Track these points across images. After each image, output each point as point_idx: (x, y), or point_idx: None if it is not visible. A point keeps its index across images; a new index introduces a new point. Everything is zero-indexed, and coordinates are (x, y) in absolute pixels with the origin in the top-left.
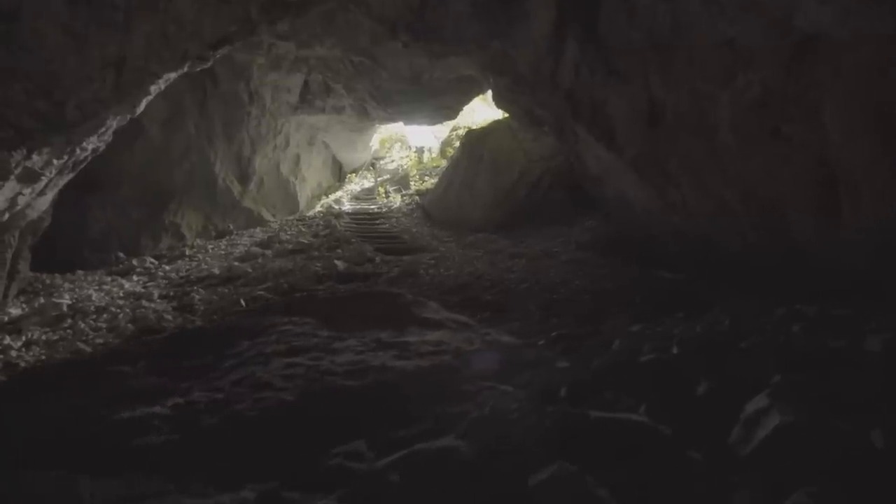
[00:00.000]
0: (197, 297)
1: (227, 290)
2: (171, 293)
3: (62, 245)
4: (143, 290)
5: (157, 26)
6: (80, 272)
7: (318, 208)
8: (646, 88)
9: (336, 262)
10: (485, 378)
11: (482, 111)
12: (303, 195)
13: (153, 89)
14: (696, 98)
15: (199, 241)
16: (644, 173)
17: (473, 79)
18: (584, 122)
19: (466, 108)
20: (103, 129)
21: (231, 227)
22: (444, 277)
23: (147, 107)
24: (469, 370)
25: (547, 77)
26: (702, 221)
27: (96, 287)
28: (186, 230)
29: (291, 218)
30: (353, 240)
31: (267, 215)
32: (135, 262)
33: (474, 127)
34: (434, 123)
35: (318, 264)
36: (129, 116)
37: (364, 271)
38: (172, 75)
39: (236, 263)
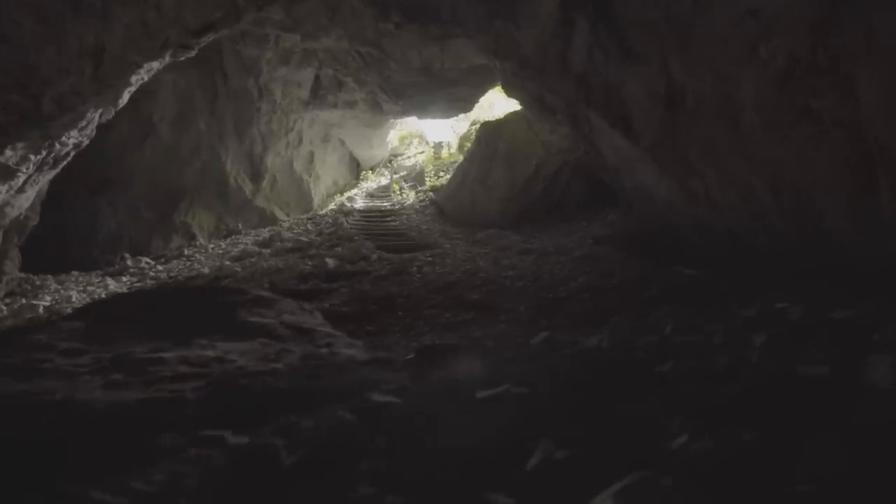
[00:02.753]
0: None
1: None
2: None
3: (74, 246)
4: (125, 291)
5: (137, 13)
6: (74, 273)
7: (331, 206)
8: (664, 71)
9: (328, 260)
10: (218, 423)
11: (502, 105)
12: (317, 193)
13: (134, 80)
14: (718, 79)
15: (201, 241)
16: (663, 162)
17: (487, 69)
18: (598, 108)
19: (486, 103)
20: (84, 123)
21: (240, 226)
22: (437, 275)
23: (156, 105)
24: (195, 408)
25: (556, 60)
26: (726, 212)
27: (81, 288)
28: (198, 230)
29: (303, 217)
30: (356, 238)
31: (280, 214)
32: (129, 262)
33: (489, 119)
34: (448, 117)
35: (310, 263)
36: (112, 109)
37: (354, 269)
38: (155, 64)
39: (228, 263)
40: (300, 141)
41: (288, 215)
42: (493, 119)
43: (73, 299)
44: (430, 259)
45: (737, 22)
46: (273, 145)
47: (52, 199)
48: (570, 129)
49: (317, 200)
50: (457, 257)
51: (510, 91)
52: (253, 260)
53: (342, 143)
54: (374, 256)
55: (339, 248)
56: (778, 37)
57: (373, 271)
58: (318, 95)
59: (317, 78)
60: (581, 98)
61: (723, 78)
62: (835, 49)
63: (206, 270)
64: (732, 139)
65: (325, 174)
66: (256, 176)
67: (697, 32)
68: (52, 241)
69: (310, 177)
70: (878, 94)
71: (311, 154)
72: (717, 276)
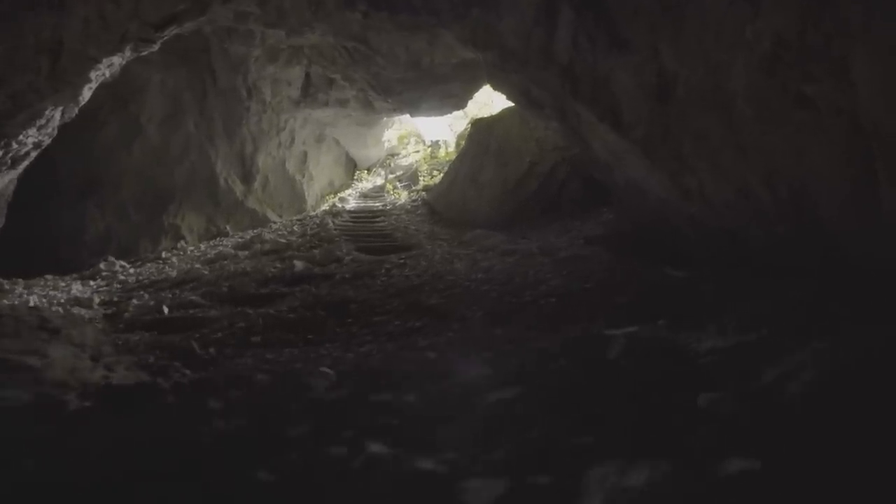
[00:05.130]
0: (136, 302)
1: (170, 295)
2: (115, 298)
3: (63, 249)
4: (86, 296)
5: (95, 6)
6: (48, 276)
7: (324, 207)
8: (655, 59)
9: (296, 262)
10: None
11: (501, 102)
12: (311, 194)
13: (94, 76)
14: (709, 66)
15: (183, 244)
16: (654, 156)
17: (478, 64)
18: (586, 100)
19: (484, 100)
20: (43, 121)
21: (228, 228)
22: (402, 278)
23: (145, 105)
24: None
25: (539, 50)
26: (721, 208)
27: (43, 293)
28: (187, 232)
29: (294, 218)
30: (337, 239)
31: (272, 216)
32: (102, 265)
33: (484, 116)
34: (441, 114)
35: (279, 265)
36: (74, 107)
37: (322, 272)
38: (115, 59)
39: (198, 266)
40: (292, 141)
41: (281, 216)
42: (487, 116)
43: (31, 304)
44: (402, 262)
45: (729, 4)
46: (264, 145)
47: (40, 202)
48: (559, 124)
49: (311, 201)
50: (434, 259)
51: (496, 85)
52: (225, 262)
53: (337, 143)
54: (348, 259)
55: (317, 251)
56: (762, 18)
57: (337, 274)
58: (308, 94)
59: (307, 76)
60: (567, 90)
61: (714, 65)
62: (826, 28)
63: (174, 274)
64: (725, 131)
65: (320, 174)
66: (247, 177)
67: (689, 17)
68: (43, 244)
69: (303, 177)
70: (876, 77)
71: (305, 154)
72: (705, 278)
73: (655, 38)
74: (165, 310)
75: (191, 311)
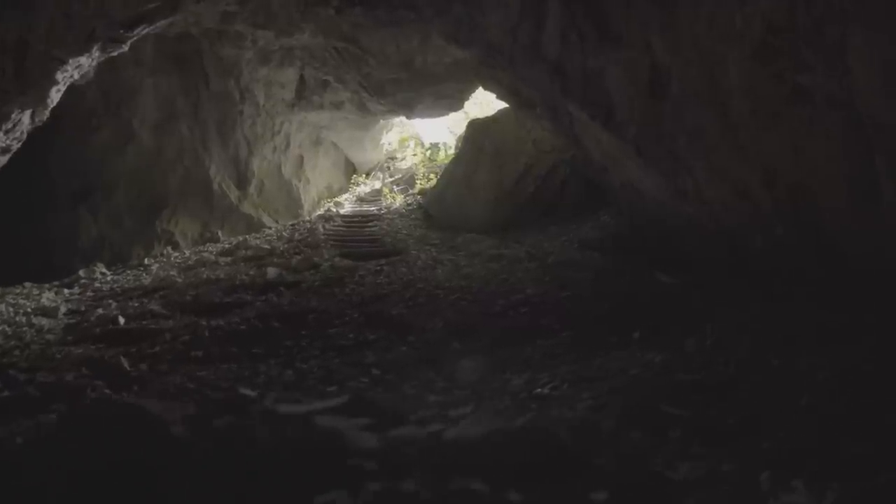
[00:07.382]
0: (100, 311)
1: (136, 304)
2: (83, 308)
3: (57, 255)
4: (53, 305)
5: (60, 4)
6: (28, 284)
7: (319, 212)
8: (647, 53)
9: (269, 269)
10: None
11: (499, 103)
12: (307, 198)
13: (60, 77)
14: (704, 59)
15: (169, 250)
16: (648, 155)
17: (472, 64)
18: (576, 98)
19: (484, 101)
20: (10, 125)
21: (220, 234)
22: (371, 286)
23: (137, 110)
24: None
25: (527, 46)
26: (718, 210)
27: (14, 301)
28: (181, 238)
29: (288, 223)
30: (322, 244)
31: (268, 220)
32: (82, 272)
33: (480, 117)
34: (436, 116)
35: (251, 273)
36: (44, 110)
37: (294, 279)
38: (83, 60)
39: (173, 273)
40: (288, 144)
41: (277, 221)
42: (483, 116)
43: None
44: (378, 268)
45: None
46: (259, 149)
47: (33, 208)
48: (551, 124)
49: (307, 206)
50: (415, 265)
51: (485, 84)
52: (202, 269)
53: (335, 146)
54: (326, 265)
55: (300, 256)
56: (750, 3)
57: (307, 282)
58: (303, 96)
59: (301, 78)
60: (557, 88)
61: (708, 58)
62: (818, 9)
63: (147, 281)
64: (722, 128)
65: (317, 178)
66: (242, 181)
67: (682, 8)
68: (36, 251)
69: (300, 181)
70: (874, 62)
71: (301, 158)
72: (697, 283)
73: (648, 30)
74: (121, 320)
75: (145, 322)
